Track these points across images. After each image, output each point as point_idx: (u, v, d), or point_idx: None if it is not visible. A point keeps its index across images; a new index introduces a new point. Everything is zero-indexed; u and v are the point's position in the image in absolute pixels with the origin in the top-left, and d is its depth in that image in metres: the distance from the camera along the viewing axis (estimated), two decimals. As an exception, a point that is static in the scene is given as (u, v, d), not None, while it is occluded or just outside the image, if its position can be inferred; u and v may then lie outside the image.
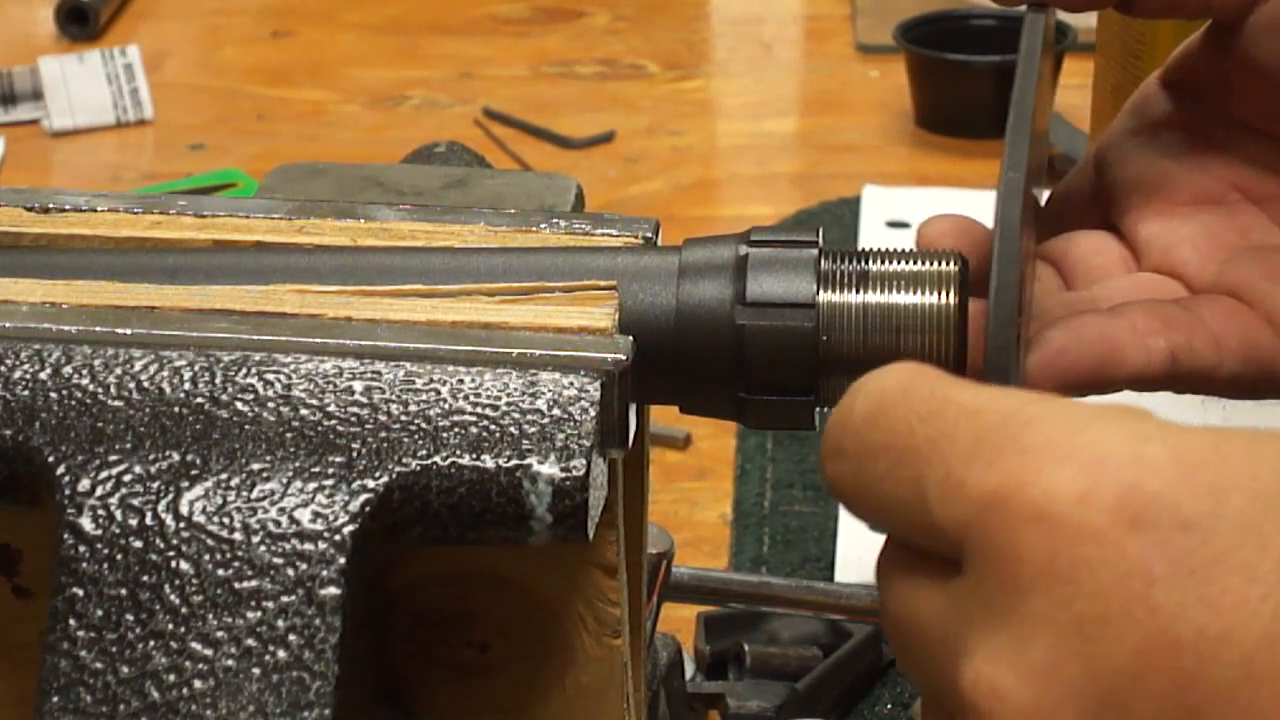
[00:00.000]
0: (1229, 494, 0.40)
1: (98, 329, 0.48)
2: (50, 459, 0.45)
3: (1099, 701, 0.39)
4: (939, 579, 0.43)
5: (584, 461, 0.45)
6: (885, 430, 0.44)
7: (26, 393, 0.46)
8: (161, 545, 0.44)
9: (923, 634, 0.43)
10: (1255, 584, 0.38)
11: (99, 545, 0.44)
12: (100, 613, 0.43)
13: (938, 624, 0.42)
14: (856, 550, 0.98)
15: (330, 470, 0.45)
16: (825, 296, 0.51)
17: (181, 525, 0.44)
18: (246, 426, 0.45)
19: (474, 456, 0.45)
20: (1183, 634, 0.38)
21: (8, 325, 0.48)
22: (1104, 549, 0.39)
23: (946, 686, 0.41)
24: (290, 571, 0.44)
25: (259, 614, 0.43)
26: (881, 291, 0.51)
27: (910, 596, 0.44)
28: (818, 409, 0.51)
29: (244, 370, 0.46)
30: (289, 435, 0.45)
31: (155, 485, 0.45)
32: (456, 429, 0.45)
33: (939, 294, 0.51)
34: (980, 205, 1.49)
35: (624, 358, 0.47)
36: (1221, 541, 0.39)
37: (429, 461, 0.45)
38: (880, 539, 0.44)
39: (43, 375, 0.46)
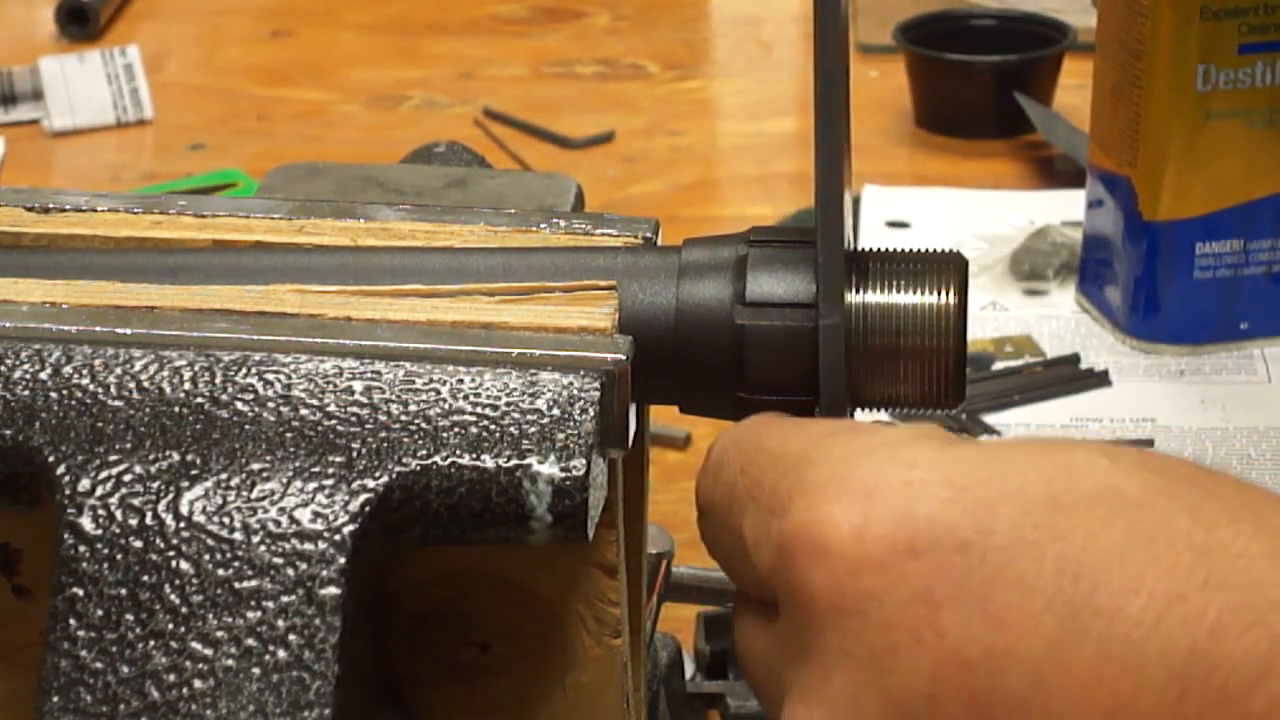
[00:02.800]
0: (999, 509, 0.40)
1: (98, 329, 0.48)
2: (50, 459, 0.45)
3: None
4: (766, 622, 0.44)
5: (584, 461, 0.45)
6: (722, 485, 0.46)
7: (27, 392, 0.46)
8: (161, 545, 0.44)
9: (760, 675, 0.44)
10: (1035, 596, 0.39)
11: (99, 545, 0.44)
12: (100, 612, 0.43)
13: (766, 665, 0.44)
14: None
15: (330, 470, 0.45)
16: (825, 296, 0.50)
17: (181, 525, 0.44)
18: (246, 426, 0.45)
19: (474, 456, 0.45)
20: (972, 654, 0.39)
21: (8, 325, 0.48)
22: (885, 578, 0.40)
23: None
24: (290, 571, 0.44)
25: (259, 614, 0.43)
26: (881, 291, 0.51)
27: (749, 640, 0.45)
28: (817, 409, 0.51)
29: (244, 370, 0.46)
30: (289, 435, 0.45)
31: (155, 485, 0.45)
32: (456, 429, 0.45)
33: (939, 293, 0.51)
34: (980, 205, 1.49)
35: (624, 358, 0.47)
36: (997, 558, 0.39)
37: (429, 461, 0.45)
38: None
39: (43, 375, 0.46)
